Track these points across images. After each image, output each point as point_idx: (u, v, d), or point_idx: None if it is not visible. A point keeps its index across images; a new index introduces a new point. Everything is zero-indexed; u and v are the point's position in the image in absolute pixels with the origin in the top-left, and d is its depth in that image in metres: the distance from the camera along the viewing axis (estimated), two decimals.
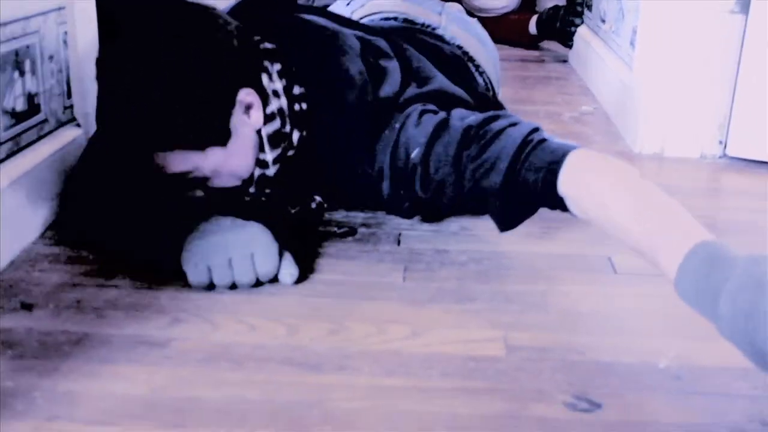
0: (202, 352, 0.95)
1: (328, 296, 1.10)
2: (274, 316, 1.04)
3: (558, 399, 0.89)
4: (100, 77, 1.12)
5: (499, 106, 1.55)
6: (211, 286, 1.09)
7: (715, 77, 1.76)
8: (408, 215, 1.30)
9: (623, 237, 0.97)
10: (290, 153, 1.22)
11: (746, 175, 1.71)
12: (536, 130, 1.10)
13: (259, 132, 1.17)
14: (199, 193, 1.19)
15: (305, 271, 1.15)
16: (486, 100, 1.47)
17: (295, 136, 1.21)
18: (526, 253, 1.25)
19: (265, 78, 1.19)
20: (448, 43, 1.59)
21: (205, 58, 1.10)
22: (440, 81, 1.31)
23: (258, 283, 1.10)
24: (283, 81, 1.21)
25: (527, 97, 2.25)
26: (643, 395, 0.90)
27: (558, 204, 1.06)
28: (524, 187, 1.07)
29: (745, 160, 1.77)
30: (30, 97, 1.25)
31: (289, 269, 1.11)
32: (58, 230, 1.27)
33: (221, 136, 1.13)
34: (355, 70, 1.23)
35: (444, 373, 0.93)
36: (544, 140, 1.08)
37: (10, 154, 1.20)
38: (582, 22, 2.74)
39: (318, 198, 1.29)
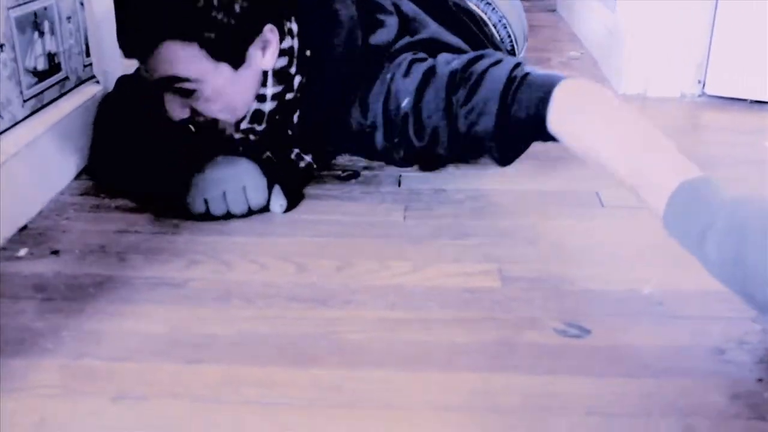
0: (217, 291, 0.93)
1: (334, 236, 1.08)
2: (283, 256, 1.01)
3: (549, 326, 0.87)
4: None
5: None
6: (208, 216, 1.10)
7: (693, 20, 1.71)
8: (403, 164, 1.24)
9: (611, 173, 0.92)
10: (289, 96, 1.16)
11: (724, 111, 1.67)
12: (518, 65, 1.06)
13: (265, 72, 1.12)
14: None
15: (293, 203, 1.15)
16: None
17: (297, 80, 1.15)
18: (519, 190, 1.22)
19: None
20: None
21: None
22: (433, 30, 1.25)
23: (250, 213, 1.12)
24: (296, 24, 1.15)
25: None
26: (628, 320, 0.88)
27: (550, 138, 1.02)
28: (516, 127, 1.03)
29: (722, 97, 1.72)
30: (50, 57, 1.22)
31: (278, 200, 1.13)
32: (90, 168, 1.28)
33: (236, 57, 1.07)
34: (346, 15, 1.16)
35: (443, 305, 0.91)
36: (527, 75, 1.03)
37: (34, 111, 1.17)
38: None
39: (308, 158, 1.22)
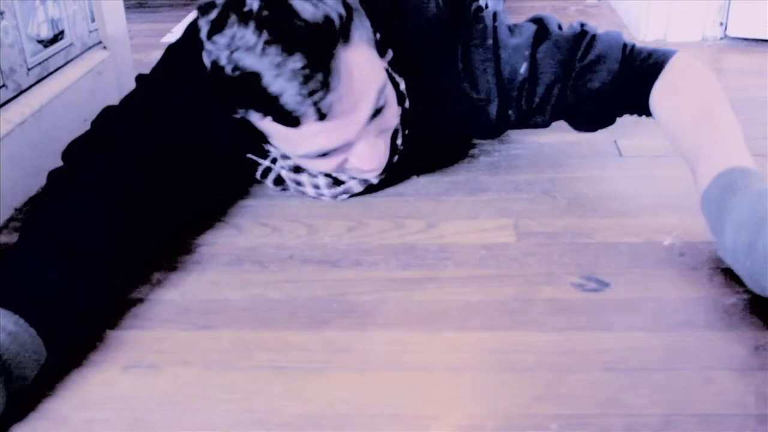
0: (228, 256, 0.92)
1: None
2: (295, 218, 1.00)
3: (567, 281, 0.85)
4: None
5: None
6: None
7: None
8: (498, 134, 1.13)
9: (676, 144, 0.93)
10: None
11: (747, 54, 1.62)
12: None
13: None
14: None
15: None
16: None
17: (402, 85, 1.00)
18: (535, 143, 1.19)
19: None
20: None
21: None
22: None
23: None
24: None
25: None
26: (649, 273, 0.86)
27: (640, 109, 1.02)
28: (631, 84, 1.00)
29: (745, 39, 1.67)
30: (54, 23, 1.20)
31: None
32: None
33: None
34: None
35: (457, 263, 0.89)
36: (634, 45, 1.02)
37: (40, 79, 1.16)
38: None
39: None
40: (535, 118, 1.05)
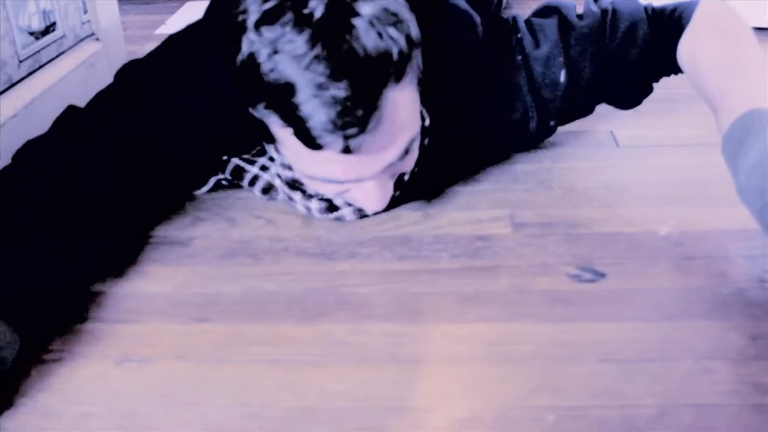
0: (222, 249, 0.92)
1: None
2: (289, 210, 0.99)
3: (562, 271, 0.84)
4: None
5: None
6: None
7: None
8: (537, 144, 1.12)
9: (701, 90, 0.89)
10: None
11: None
12: None
13: None
14: None
15: None
16: None
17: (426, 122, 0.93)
18: None
19: None
20: None
21: None
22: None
23: None
24: None
25: None
26: (645, 263, 0.86)
27: (671, 68, 0.99)
28: (662, 45, 0.96)
29: None
30: (45, 15, 1.20)
31: None
32: None
33: None
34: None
35: (452, 254, 0.88)
36: (653, 6, 0.99)
37: (32, 72, 1.15)
38: None
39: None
40: (577, 115, 1.04)
